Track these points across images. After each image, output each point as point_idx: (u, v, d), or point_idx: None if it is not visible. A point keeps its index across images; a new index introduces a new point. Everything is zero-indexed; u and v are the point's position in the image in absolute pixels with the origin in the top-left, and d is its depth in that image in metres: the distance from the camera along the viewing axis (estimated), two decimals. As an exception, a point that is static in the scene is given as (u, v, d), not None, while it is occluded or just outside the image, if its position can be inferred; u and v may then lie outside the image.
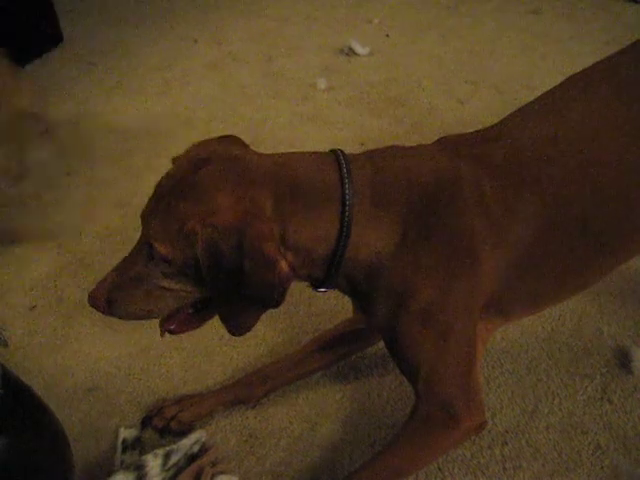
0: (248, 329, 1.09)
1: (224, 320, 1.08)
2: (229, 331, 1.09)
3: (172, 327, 1.18)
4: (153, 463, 1.25)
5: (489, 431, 1.37)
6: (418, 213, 1.07)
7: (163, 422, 1.40)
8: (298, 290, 1.63)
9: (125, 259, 1.10)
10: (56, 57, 2.85)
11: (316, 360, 1.46)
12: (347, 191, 1.05)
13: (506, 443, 1.36)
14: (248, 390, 1.43)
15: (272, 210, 1.01)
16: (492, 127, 1.20)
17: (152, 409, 1.44)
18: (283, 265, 0.99)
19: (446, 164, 1.10)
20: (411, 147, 1.17)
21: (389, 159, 1.11)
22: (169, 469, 1.27)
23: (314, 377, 1.50)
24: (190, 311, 1.16)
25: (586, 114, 1.16)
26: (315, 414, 1.43)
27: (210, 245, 0.96)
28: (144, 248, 1.05)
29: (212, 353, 1.57)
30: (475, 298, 1.12)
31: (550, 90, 1.25)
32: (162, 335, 1.18)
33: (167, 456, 1.28)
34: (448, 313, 1.10)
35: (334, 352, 1.46)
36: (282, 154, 1.11)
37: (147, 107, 2.49)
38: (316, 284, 1.15)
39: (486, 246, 1.08)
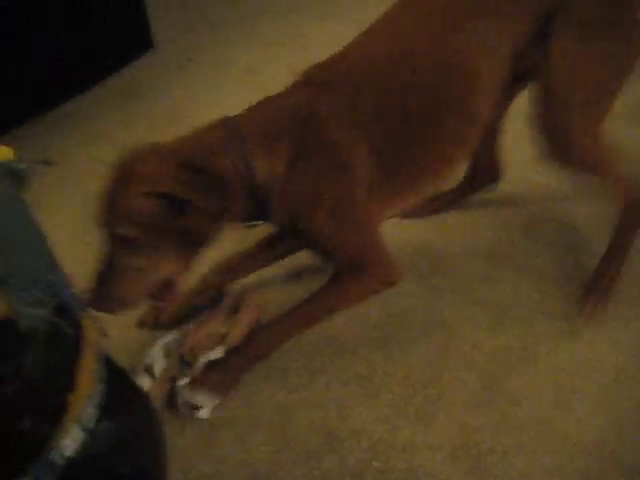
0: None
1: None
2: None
3: (160, 303, 1.49)
4: (144, 381, 1.50)
5: (575, 442, 1.36)
6: (294, 138, 1.37)
7: (152, 320, 1.69)
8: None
9: (101, 259, 1.29)
10: (149, 61, 2.94)
11: (259, 260, 1.74)
12: (242, 140, 1.34)
13: (590, 454, 1.34)
14: (209, 286, 1.70)
15: (191, 160, 1.28)
16: (338, 53, 1.49)
17: (140, 318, 1.70)
18: (215, 170, 1.28)
19: (304, 97, 1.40)
20: (276, 94, 1.45)
21: (263, 108, 1.43)
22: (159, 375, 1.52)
23: (395, 379, 1.52)
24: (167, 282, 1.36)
25: (404, 33, 1.48)
26: (396, 416, 1.45)
27: (157, 204, 1.23)
28: (111, 239, 1.27)
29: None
30: (356, 185, 1.42)
31: (382, 16, 1.55)
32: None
33: (149, 370, 1.52)
34: (341, 201, 1.41)
35: (273, 252, 1.74)
36: (188, 135, 1.37)
37: (236, 109, 2.54)
38: (248, 218, 1.43)
39: (347, 143, 1.40)
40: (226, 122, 1.39)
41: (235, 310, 1.62)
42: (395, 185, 1.51)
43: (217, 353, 1.53)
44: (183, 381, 1.48)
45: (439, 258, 1.82)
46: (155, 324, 1.69)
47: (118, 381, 0.95)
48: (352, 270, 1.47)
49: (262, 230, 1.76)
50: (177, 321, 1.68)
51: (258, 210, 1.40)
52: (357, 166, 1.41)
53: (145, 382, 1.51)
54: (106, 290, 1.27)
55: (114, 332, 1.43)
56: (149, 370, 1.53)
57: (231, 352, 1.51)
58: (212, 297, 1.69)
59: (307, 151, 1.37)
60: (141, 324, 1.70)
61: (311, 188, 1.39)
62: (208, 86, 2.72)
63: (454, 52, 1.44)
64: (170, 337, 1.58)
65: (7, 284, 0.68)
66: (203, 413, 1.47)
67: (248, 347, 1.52)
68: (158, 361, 1.55)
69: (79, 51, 2.70)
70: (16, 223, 0.74)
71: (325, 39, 2.94)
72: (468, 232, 1.90)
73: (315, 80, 1.44)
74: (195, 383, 1.47)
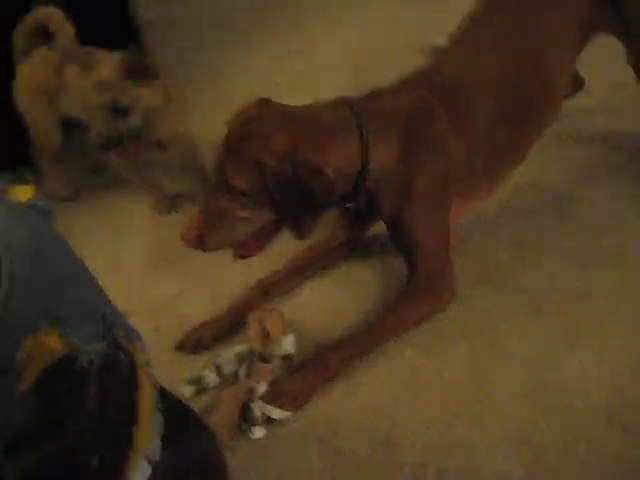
0: (310, 232, 1.47)
1: (292, 228, 1.46)
2: (296, 236, 1.48)
3: (243, 252, 1.55)
4: (210, 376, 1.55)
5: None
6: (407, 131, 1.50)
7: (193, 343, 1.67)
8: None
9: (206, 203, 1.46)
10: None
11: (306, 273, 1.81)
12: (362, 125, 1.45)
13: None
14: (251, 304, 1.70)
15: (311, 140, 1.39)
16: (430, 65, 1.67)
17: (181, 339, 1.69)
18: (328, 170, 1.38)
19: (415, 95, 1.54)
20: (389, 88, 1.59)
21: (380, 100, 1.54)
22: (226, 378, 1.56)
23: (442, 380, 1.50)
24: (258, 234, 1.50)
25: (483, 45, 1.65)
26: (449, 417, 1.42)
27: (275, 168, 1.35)
28: (222, 188, 1.42)
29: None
30: (449, 182, 1.56)
31: (456, 34, 1.73)
32: (235, 259, 1.57)
33: (218, 368, 1.56)
34: (434, 197, 1.55)
35: (319, 265, 1.83)
36: (305, 105, 1.51)
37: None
38: (344, 201, 1.54)
39: (451, 142, 1.54)
40: (350, 105, 1.50)
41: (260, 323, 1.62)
42: (480, 178, 1.66)
43: (288, 343, 1.58)
44: (261, 389, 1.48)
45: (469, 250, 1.80)
46: (195, 346, 1.67)
47: (173, 408, 0.93)
48: (424, 284, 1.57)
49: (292, 249, 1.79)
50: (215, 342, 1.68)
51: (357, 194, 1.51)
52: (456, 161, 1.56)
53: (211, 378, 1.56)
54: (209, 231, 1.44)
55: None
56: (218, 369, 1.57)
57: (305, 368, 1.53)
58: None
59: (416, 142, 1.51)
60: (181, 347, 1.69)
61: (416, 177, 1.52)
62: (213, 106, 2.68)
63: (529, 44, 1.66)
64: (243, 347, 1.58)
65: (62, 321, 0.66)
66: (258, 432, 1.44)
67: (320, 364, 1.52)
68: (230, 364, 1.57)
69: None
70: (59, 259, 0.73)
71: (329, 47, 2.93)
72: (491, 218, 1.88)
73: (422, 82, 1.59)
74: (270, 394, 1.47)
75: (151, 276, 1.97)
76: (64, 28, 2.03)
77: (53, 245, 0.74)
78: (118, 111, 1.78)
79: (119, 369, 0.75)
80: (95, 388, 0.71)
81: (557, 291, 1.63)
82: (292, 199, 1.38)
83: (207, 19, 3.44)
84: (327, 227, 1.84)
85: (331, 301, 1.76)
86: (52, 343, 0.65)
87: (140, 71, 1.78)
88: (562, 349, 1.50)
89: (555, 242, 1.77)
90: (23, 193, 0.79)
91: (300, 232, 1.47)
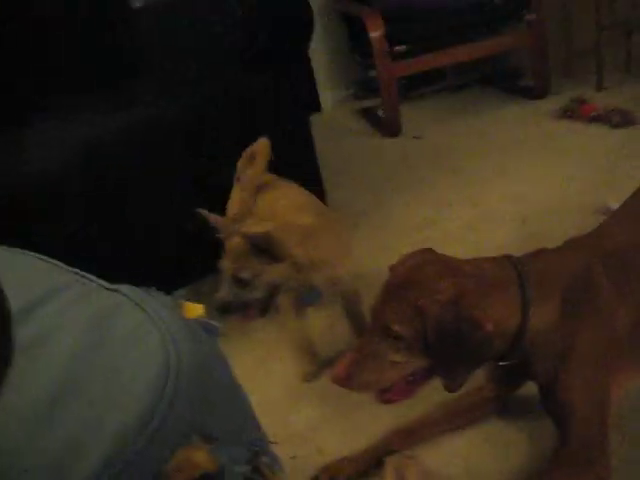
0: (462, 384, 1.45)
1: (444, 378, 1.45)
2: (446, 387, 1.46)
3: (390, 396, 1.58)
4: None
5: None
6: (569, 293, 1.46)
7: (328, 479, 1.65)
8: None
9: (360, 343, 1.48)
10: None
11: (450, 424, 1.75)
12: (525, 283, 1.44)
13: None
14: (390, 448, 1.67)
15: (474, 294, 1.39)
16: (600, 228, 1.67)
17: (317, 472, 1.68)
18: (489, 326, 1.35)
19: (578, 259, 1.52)
20: (555, 249, 1.58)
21: (544, 259, 1.53)
22: None
23: None
24: (407, 380, 1.49)
25: None
26: None
27: (436, 317, 1.34)
28: (379, 331, 1.42)
29: None
30: (611, 350, 1.47)
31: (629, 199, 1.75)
32: (380, 402, 1.64)
33: None
34: (594, 363, 1.46)
35: (463, 418, 1.76)
36: (468, 258, 1.52)
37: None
38: (499, 358, 1.50)
39: (616, 309, 1.48)
40: (513, 262, 1.49)
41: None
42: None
43: None
44: None
45: (628, 425, 1.65)
46: None
47: None
48: (577, 456, 1.42)
49: (438, 397, 1.73)
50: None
51: (513, 351, 1.47)
52: (620, 329, 1.49)
53: None
54: (359, 372, 1.44)
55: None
56: None
57: None
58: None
59: (578, 306, 1.47)
60: None
61: (576, 341, 1.46)
62: (379, 241, 2.79)
63: None
64: None
65: (212, 439, 0.69)
66: None
67: None
68: None
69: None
70: (220, 379, 0.77)
71: (497, 197, 2.97)
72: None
73: (590, 245, 1.58)
74: None
75: (292, 405, 2.00)
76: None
77: (217, 365, 0.78)
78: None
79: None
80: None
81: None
82: (449, 350, 1.37)
83: (376, 165, 3.63)
84: (476, 380, 1.79)
85: (470, 458, 1.68)
86: (200, 458, 0.68)
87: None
88: None
89: None
90: (195, 310, 0.86)
91: (451, 383, 1.45)
